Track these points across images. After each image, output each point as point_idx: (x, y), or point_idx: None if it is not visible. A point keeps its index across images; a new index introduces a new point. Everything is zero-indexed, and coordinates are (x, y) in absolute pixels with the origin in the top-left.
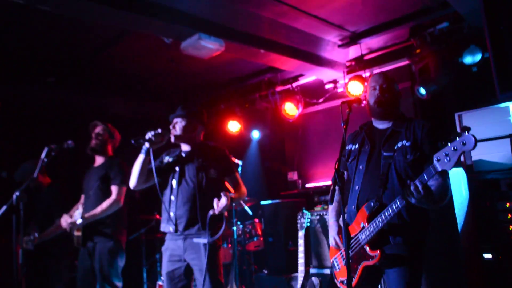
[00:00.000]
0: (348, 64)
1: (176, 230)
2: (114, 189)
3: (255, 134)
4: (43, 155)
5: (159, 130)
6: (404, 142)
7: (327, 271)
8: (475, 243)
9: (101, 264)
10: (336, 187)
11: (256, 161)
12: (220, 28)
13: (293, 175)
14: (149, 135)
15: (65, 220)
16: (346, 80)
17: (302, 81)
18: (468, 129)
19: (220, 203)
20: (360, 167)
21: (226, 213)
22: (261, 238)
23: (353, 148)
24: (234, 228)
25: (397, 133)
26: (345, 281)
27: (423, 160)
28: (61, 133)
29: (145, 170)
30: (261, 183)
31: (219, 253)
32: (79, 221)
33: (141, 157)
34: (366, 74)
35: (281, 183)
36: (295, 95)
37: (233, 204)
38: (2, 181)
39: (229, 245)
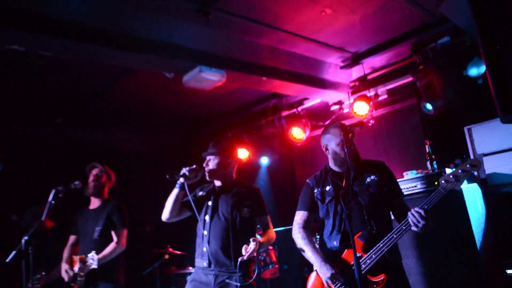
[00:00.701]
0: (352, 84)
1: (209, 265)
2: (118, 233)
3: (264, 160)
4: (50, 197)
5: (194, 166)
6: (373, 177)
7: None
8: (496, 259)
9: None
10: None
11: (267, 188)
12: (220, 59)
13: None
14: (184, 170)
15: (65, 270)
16: (351, 101)
17: (308, 104)
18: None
19: (248, 249)
20: (338, 207)
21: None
22: (276, 266)
23: (325, 189)
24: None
25: (361, 172)
26: None
27: (392, 192)
28: (70, 173)
29: (178, 204)
30: (273, 209)
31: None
32: (94, 266)
33: (175, 192)
34: (371, 93)
35: (293, 208)
36: (301, 119)
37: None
38: (12, 224)
39: None
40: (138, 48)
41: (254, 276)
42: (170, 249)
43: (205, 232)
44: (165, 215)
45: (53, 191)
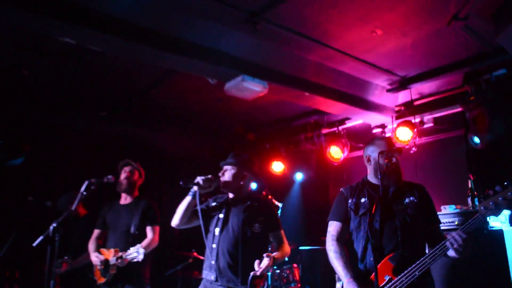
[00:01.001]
0: (397, 109)
1: (216, 279)
2: (153, 229)
3: (299, 176)
4: (82, 188)
5: (210, 176)
6: (412, 198)
7: None
8: None
9: None
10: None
11: (298, 204)
12: (264, 70)
13: None
14: (198, 179)
15: (95, 255)
16: (395, 125)
17: (349, 124)
18: None
19: (262, 264)
20: (374, 221)
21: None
22: (299, 285)
23: (360, 201)
24: (269, 273)
25: (401, 190)
26: None
27: (428, 218)
28: (107, 165)
29: (189, 212)
30: (301, 226)
31: None
32: (141, 256)
33: (187, 199)
34: (416, 120)
35: (324, 228)
36: (341, 138)
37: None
38: (47, 210)
39: None
40: (184, 51)
41: None
42: (195, 254)
43: (214, 246)
44: (175, 221)
45: (86, 182)
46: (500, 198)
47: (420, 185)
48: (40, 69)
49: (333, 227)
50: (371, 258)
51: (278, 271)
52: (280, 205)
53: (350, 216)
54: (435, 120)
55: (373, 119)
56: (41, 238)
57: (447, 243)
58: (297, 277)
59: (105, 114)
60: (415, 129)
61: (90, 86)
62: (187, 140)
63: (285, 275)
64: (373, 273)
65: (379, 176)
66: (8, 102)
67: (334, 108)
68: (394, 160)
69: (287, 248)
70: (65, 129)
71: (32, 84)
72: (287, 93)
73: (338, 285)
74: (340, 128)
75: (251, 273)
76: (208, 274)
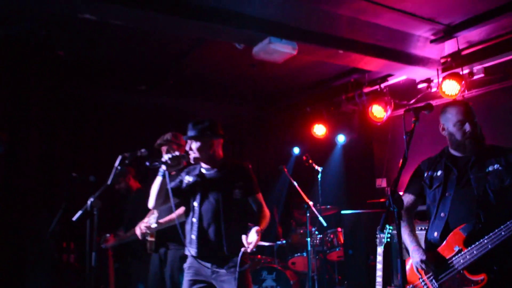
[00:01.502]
0: (443, 60)
1: (198, 255)
2: None
3: (341, 138)
4: (117, 163)
5: (177, 153)
6: (496, 166)
7: None
8: None
9: (172, 270)
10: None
11: (340, 167)
12: (292, 30)
13: (382, 182)
14: (165, 158)
15: (139, 227)
16: (441, 79)
17: (392, 81)
18: None
19: (250, 239)
20: (447, 194)
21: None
22: (342, 249)
23: (435, 174)
24: (308, 239)
25: (483, 159)
26: None
27: None
28: (151, 138)
29: (163, 192)
30: (344, 190)
31: (248, 277)
32: (153, 225)
33: (158, 180)
34: (465, 71)
35: (368, 191)
36: (384, 96)
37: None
38: (90, 184)
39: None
40: (206, 17)
41: (246, 267)
42: None
43: (194, 220)
44: (150, 203)
45: (119, 157)
46: None
47: (509, 149)
48: (74, 49)
49: (406, 200)
50: (440, 229)
51: (320, 235)
52: (320, 169)
53: (426, 191)
54: (486, 70)
55: (417, 73)
56: (80, 212)
57: None
58: (342, 241)
59: (144, 88)
60: (463, 82)
61: (124, 62)
62: (228, 107)
63: (329, 239)
64: (443, 244)
65: (454, 148)
66: (47, 84)
67: (373, 64)
68: (468, 129)
69: (266, 212)
70: (106, 105)
71: (69, 64)
72: (319, 53)
73: (379, 249)
74: (382, 85)
75: (242, 249)
76: (190, 250)
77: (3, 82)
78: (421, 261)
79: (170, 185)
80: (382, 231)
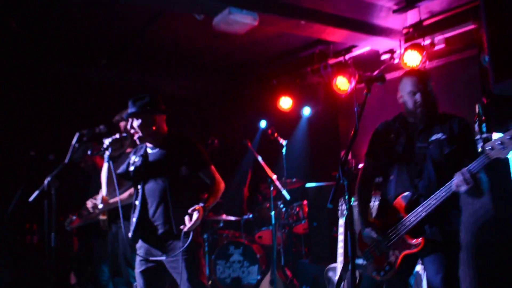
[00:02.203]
0: (405, 31)
1: (133, 238)
2: None
3: (306, 111)
4: (74, 140)
5: (117, 136)
6: (440, 135)
7: None
8: None
9: (124, 248)
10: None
11: (305, 140)
12: (252, 0)
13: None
14: (106, 142)
15: (90, 202)
16: (403, 50)
17: (356, 52)
18: None
19: (192, 221)
20: (396, 158)
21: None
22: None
23: (388, 137)
24: (272, 212)
25: (431, 127)
26: (381, 272)
27: (459, 154)
28: (113, 114)
29: (112, 178)
30: (309, 163)
31: (199, 253)
32: (100, 205)
33: (105, 166)
34: (426, 42)
35: (333, 163)
36: (348, 68)
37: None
38: (49, 163)
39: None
40: None
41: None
42: (224, 216)
43: (137, 202)
44: (104, 192)
45: (77, 134)
46: (508, 137)
47: (458, 117)
48: (29, 20)
49: (366, 165)
50: (389, 196)
51: (284, 208)
52: (284, 143)
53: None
54: (447, 40)
55: (380, 44)
56: (36, 192)
57: (452, 184)
58: (307, 214)
59: (105, 61)
60: (424, 52)
61: (82, 34)
62: (193, 81)
63: (295, 212)
64: (388, 211)
65: (408, 115)
66: (1, 58)
67: (335, 35)
68: (419, 99)
69: (220, 185)
70: (65, 80)
71: (25, 36)
72: (281, 23)
73: (340, 221)
74: (347, 57)
75: (181, 227)
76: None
77: None
78: (364, 232)
79: (119, 170)
80: (331, 204)
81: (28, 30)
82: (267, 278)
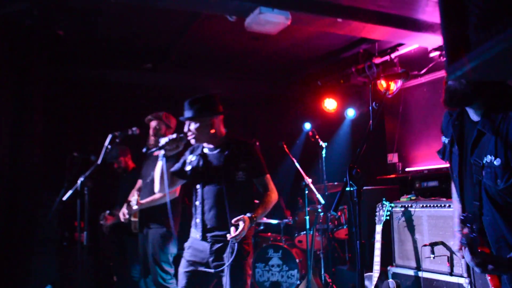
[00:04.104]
0: None
1: (203, 238)
2: None
3: (350, 113)
4: (107, 142)
5: (174, 136)
6: (492, 157)
7: (411, 272)
8: None
9: (154, 249)
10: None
11: (347, 142)
12: None
13: (393, 157)
14: (162, 142)
15: (122, 213)
16: None
17: (402, 50)
18: None
19: (237, 232)
20: (454, 175)
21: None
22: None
23: (446, 141)
24: (307, 217)
25: (486, 135)
26: None
27: None
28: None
29: (166, 176)
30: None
31: (246, 261)
32: (134, 207)
33: (159, 164)
34: None
35: (379, 166)
36: (393, 67)
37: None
38: (91, 163)
39: (316, 233)
40: None
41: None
42: None
43: (197, 203)
44: (156, 188)
45: (109, 136)
46: None
47: None
48: (74, 28)
49: None
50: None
51: (322, 213)
52: (324, 145)
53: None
54: None
55: (428, 41)
56: (70, 192)
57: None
58: (348, 219)
59: (150, 66)
60: None
61: (125, 40)
62: (235, 82)
63: (336, 217)
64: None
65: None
66: (50, 64)
67: (376, 33)
68: None
69: (272, 196)
70: (110, 84)
71: (71, 44)
72: (316, 22)
73: (377, 227)
74: (393, 55)
75: (227, 236)
76: (195, 232)
77: (4, 65)
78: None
79: (173, 168)
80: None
81: (74, 37)
82: (304, 284)
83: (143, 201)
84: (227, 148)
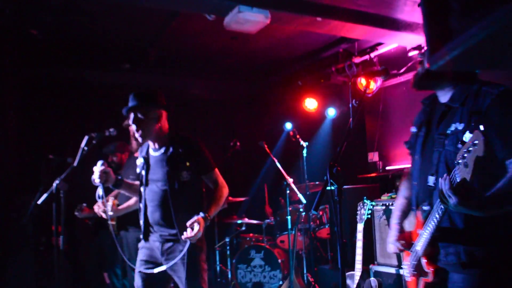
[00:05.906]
0: None
1: (145, 239)
2: None
3: (331, 112)
4: (83, 143)
5: (102, 168)
6: (457, 124)
7: (392, 270)
8: None
9: (130, 252)
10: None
11: (328, 141)
12: None
13: (374, 156)
14: (93, 178)
15: (98, 207)
16: None
17: (382, 50)
18: None
19: (193, 233)
20: (416, 157)
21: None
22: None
23: (414, 130)
24: (288, 217)
25: (452, 109)
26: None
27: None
28: None
29: (131, 191)
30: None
31: (200, 257)
32: (110, 213)
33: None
34: None
35: (360, 165)
36: (373, 66)
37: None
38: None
39: (298, 233)
40: None
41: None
42: (230, 198)
43: (141, 205)
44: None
45: (86, 138)
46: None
47: (489, 89)
48: (48, 28)
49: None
50: (414, 201)
51: (304, 213)
52: (305, 144)
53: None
54: None
55: (406, 40)
56: (45, 195)
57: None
58: (329, 219)
59: (128, 66)
60: None
61: (103, 40)
62: (214, 82)
63: (319, 216)
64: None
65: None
66: (24, 64)
67: (356, 32)
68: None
69: (224, 190)
70: (87, 85)
71: (44, 43)
72: (295, 21)
73: (359, 226)
74: (372, 55)
75: (182, 237)
76: (140, 234)
77: None
78: (392, 244)
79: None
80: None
81: (49, 37)
82: (286, 284)
83: (119, 207)
84: (170, 146)
